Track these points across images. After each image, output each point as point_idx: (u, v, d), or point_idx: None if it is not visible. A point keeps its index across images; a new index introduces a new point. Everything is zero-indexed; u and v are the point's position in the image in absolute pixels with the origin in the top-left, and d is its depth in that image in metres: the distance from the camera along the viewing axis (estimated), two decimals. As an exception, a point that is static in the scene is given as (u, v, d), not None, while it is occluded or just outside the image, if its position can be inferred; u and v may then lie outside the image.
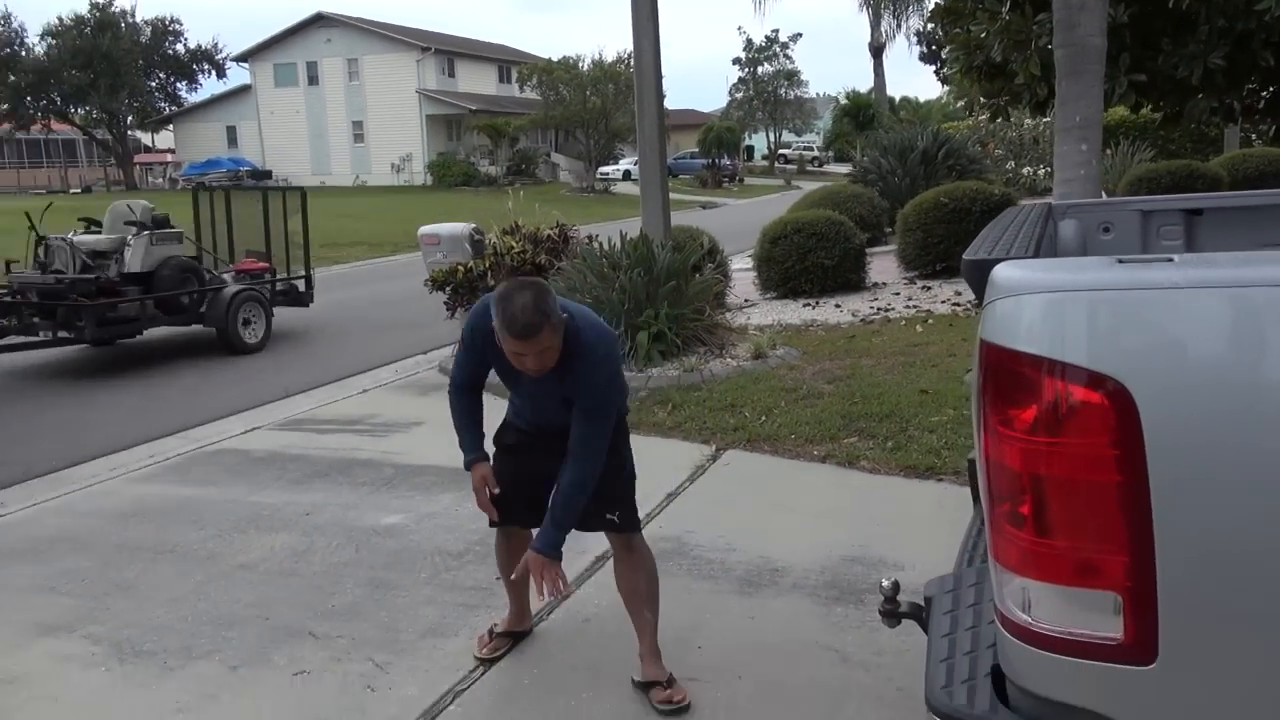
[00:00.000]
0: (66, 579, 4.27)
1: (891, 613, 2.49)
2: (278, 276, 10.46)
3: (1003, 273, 1.46)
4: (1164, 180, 12.81)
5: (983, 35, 8.11)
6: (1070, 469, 1.38)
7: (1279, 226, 2.72)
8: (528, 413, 3.21)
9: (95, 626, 3.77)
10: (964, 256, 1.62)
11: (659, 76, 8.23)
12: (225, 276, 9.97)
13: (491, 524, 3.33)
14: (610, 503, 3.14)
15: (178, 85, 49.30)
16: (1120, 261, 1.42)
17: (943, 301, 10.13)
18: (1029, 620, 1.46)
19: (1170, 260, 1.42)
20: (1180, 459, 1.33)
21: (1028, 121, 25.43)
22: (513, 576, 2.99)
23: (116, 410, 7.59)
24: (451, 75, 46.42)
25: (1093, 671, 1.41)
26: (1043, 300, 1.40)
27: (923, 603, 2.29)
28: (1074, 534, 1.40)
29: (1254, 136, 22.09)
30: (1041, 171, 26.58)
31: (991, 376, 1.46)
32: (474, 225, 8.72)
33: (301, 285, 10.73)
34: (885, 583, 2.48)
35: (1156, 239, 2.82)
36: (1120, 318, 1.36)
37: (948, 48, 9.05)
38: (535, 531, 3.13)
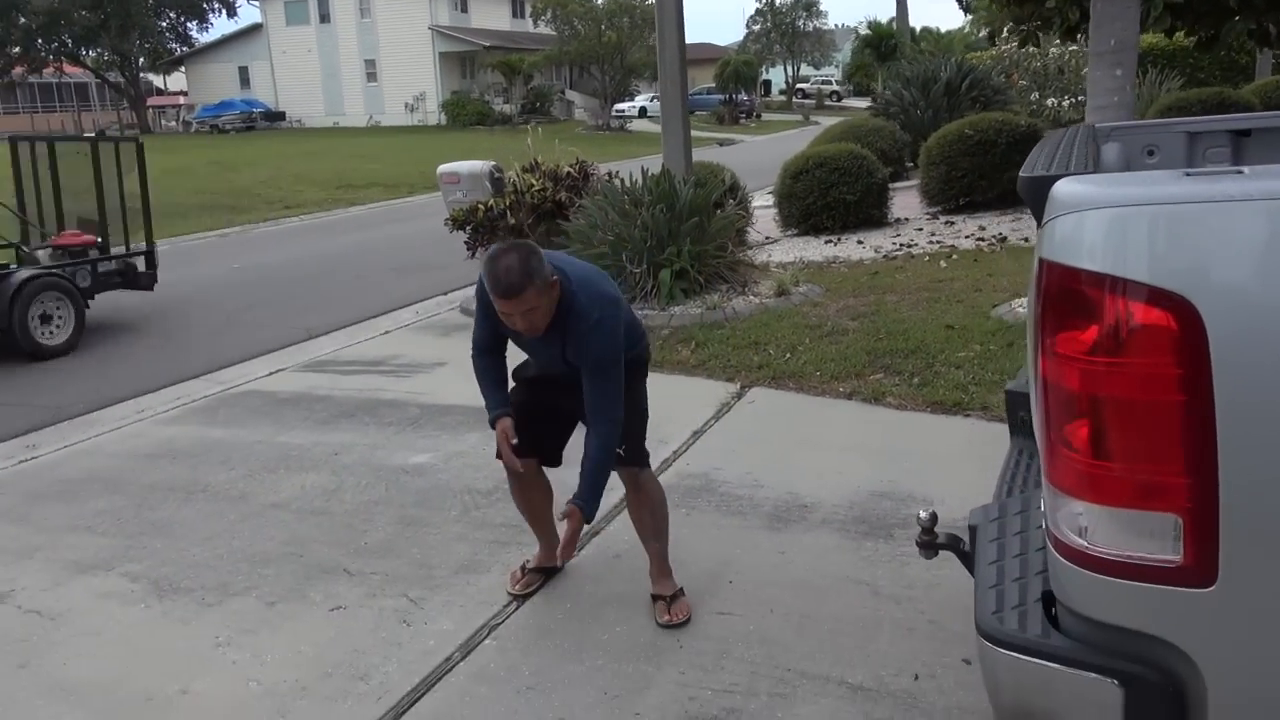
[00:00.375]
0: (101, 518, 4.32)
1: (929, 544, 2.47)
2: (112, 253, 8.22)
3: (1064, 188, 1.40)
4: (1195, 109, 12.48)
5: (1012, -43, 7.86)
6: (1133, 390, 1.34)
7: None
8: (542, 366, 3.23)
9: (132, 565, 3.82)
10: (1021, 174, 1.56)
11: (680, 6, 8.05)
12: (40, 254, 7.91)
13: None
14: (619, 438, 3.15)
15: (188, 25, 48.75)
16: (1188, 174, 1.36)
17: (966, 236, 9.98)
18: (1085, 544, 1.43)
19: (1240, 173, 1.36)
20: (1247, 379, 1.28)
21: (1053, 50, 24.81)
22: (559, 518, 3.02)
23: (143, 353, 7.64)
24: (464, 11, 45.66)
25: (1149, 594, 1.39)
26: (1107, 216, 1.34)
27: (963, 534, 2.28)
28: (1135, 456, 1.37)
29: (1286, 63, 21.50)
30: (1066, 103, 26.04)
31: (1051, 296, 1.41)
32: (494, 163, 8.62)
33: (141, 263, 8.43)
34: (923, 514, 2.47)
35: (1203, 162, 2.73)
36: (1187, 233, 1.31)
37: (976, -28, 8.76)
38: (549, 474, 3.39)
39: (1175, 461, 1.33)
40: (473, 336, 3.21)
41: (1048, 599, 1.57)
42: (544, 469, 3.40)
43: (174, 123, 49.50)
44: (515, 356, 3.28)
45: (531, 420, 3.25)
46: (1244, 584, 1.34)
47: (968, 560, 2.43)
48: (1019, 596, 1.59)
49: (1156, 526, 1.36)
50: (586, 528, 3.23)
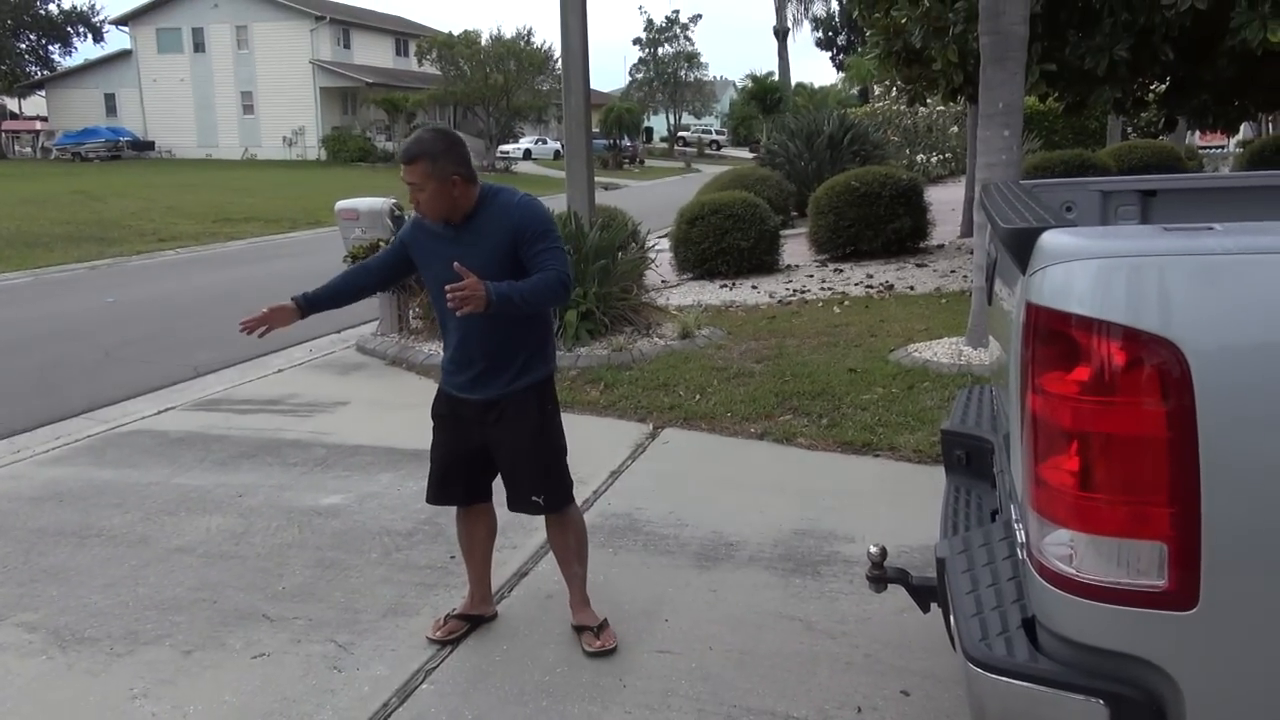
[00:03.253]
0: (-15, 566, 4.03)
1: (880, 578, 2.55)
2: None
3: (1053, 239, 1.51)
4: (1059, 169, 13.37)
5: (903, 21, 8.33)
6: (1122, 426, 1.44)
7: (1228, 207, 2.88)
8: (459, 334, 3.08)
9: (27, 614, 3.57)
10: (1002, 225, 1.66)
11: (585, 52, 8.17)
12: None
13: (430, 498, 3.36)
14: (535, 483, 3.17)
15: (50, 48, 46.51)
16: (1166, 229, 1.48)
17: (855, 284, 10.37)
18: (1072, 571, 1.52)
19: (1211, 229, 1.49)
20: (1228, 416, 1.40)
21: (922, 110, 26.21)
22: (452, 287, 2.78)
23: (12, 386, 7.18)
24: (347, 46, 44.99)
25: (1135, 618, 1.48)
26: (1096, 265, 1.45)
27: (917, 570, 2.36)
28: (1124, 488, 1.47)
29: (1130, 130, 23.30)
30: (934, 159, 27.49)
31: (1041, 338, 1.51)
32: (394, 200, 8.47)
33: None
34: (873, 549, 2.55)
35: (1115, 219, 2.95)
36: (1173, 282, 1.43)
37: (868, 32, 9.25)
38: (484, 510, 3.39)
39: (1161, 492, 1.44)
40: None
41: (1028, 625, 1.66)
42: (488, 507, 3.38)
43: (29, 149, 46.91)
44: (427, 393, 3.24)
45: (456, 464, 3.25)
46: (1223, 607, 1.45)
47: (917, 594, 2.53)
48: (1001, 623, 1.67)
49: (1143, 553, 1.46)
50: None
